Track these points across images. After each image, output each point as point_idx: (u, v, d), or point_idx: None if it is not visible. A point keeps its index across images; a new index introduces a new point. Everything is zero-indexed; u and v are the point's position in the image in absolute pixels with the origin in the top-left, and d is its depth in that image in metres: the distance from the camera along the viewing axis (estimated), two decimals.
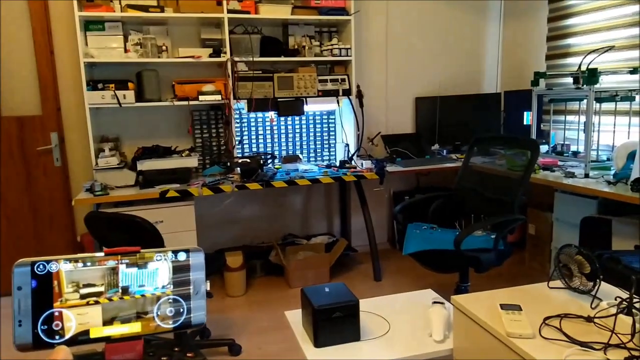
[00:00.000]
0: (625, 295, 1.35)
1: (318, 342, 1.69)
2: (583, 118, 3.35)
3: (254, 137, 3.97)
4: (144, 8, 3.32)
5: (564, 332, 1.26)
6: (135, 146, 3.64)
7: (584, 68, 3.19)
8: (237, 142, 3.73)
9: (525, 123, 4.10)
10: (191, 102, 3.46)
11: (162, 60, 3.45)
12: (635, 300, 1.28)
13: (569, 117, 3.77)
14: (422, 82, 4.45)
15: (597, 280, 1.44)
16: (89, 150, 3.37)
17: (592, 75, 3.07)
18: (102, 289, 0.56)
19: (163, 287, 0.59)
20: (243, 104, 3.64)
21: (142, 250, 0.58)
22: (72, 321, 0.52)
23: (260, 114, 3.92)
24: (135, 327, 0.56)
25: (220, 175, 3.52)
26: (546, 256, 3.65)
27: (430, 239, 2.87)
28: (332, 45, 3.78)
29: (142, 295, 0.58)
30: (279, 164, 3.91)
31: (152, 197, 3.13)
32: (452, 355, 1.62)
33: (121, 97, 3.30)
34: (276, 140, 4.05)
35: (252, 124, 3.95)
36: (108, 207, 3.09)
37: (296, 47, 3.80)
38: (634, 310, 1.26)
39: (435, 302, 1.86)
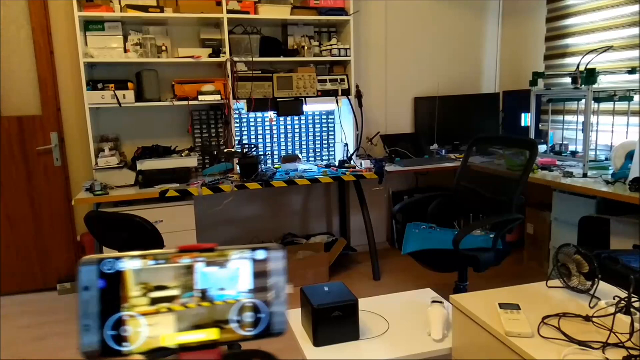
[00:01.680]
0: (623, 294, 1.36)
1: (317, 342, 1.70)
2: (582, 118, 3.36)
3: (253, 137, 3.98)
4: (144, 8, 3.33)
5: (563, 332, 1.27)
6: (135, 146, 3.64)
7: (582, 68, 3.20)
8: (236, 142, 3.73)
9: (523, 125, 4.11)
10: (191, 102, 3.47)
11: (162, 60, 3.46)
12: (633, 299, 1.29)
13: (568, 117, 3.78)
14: (421, 82, 4.46)
15: (596, 279, 1.44)
16: (89, 150, 3.38)
17: (590, 76, 3.08)
18: (176, 292, 0.48)
19: (246, 291, 0.51)
20: (243, 104, 3.64)
21: (218, 247, 0.50)
22: (143, 327, 0.46)
23: (259, 114, 3.93)
24: (212, 334, 0.49)
25: (220, 175, 3.53)
26: (545, 256, 3.66)
27: (430, 238, 2.88)
28: (331, 45, 3.78)
29: (224, 302, 0.50)
30: (279, 163, 3.92)
31: (152, 197, 3.14)
32: (451, 354, 1.63)
33: (121, 97, 3.30)
34: (276, 140, 4.05)
35: (252, 124, 3.95)
36: (108, 207, 3.09)
37: (296, 47, 3.81)
38: (632, 310, 1.26)
39: (434, 302, 1.86)
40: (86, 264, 0.43)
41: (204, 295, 0.49)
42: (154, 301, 0.47)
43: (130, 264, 0.45)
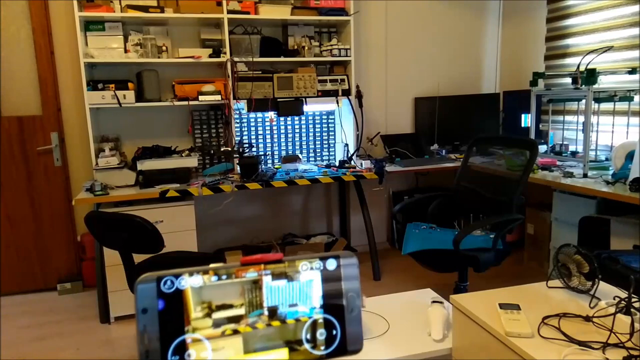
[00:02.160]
0: (623, 294, 1.36)
1: None
2: (582, 118, 3.36)
3: (253, 137, 3.98)
4: (144, 8, 3.33)
5: (563, 332, 1.27)
6: (135, 146, 3.64)
7: (582, 68, 3.20)
8: (236, 142, 3.73)
9: (523, 125, 4.11)
10: (191, 102, 3.47)
11: (162, 60, 3.46)
12: (633, 299, 1.29)
13: (568, 117, 3.78)
14: (421, 82, 4.46)
15: (596, 279, 1.44)
16: (89, 150, 3.38)
17: (590, 76, 3.08)
18: (242, 311, 0.43)
19: (319, 306, 0.45)
20: (243, 104, 3.64)
21: (284, 258, 0.45)
22: (208, 350, 0.41)
23: (260, 114, 3.93)
24: (281, 354, 0.44)
25: (220, 175, 3.53)
26: (545, 256, 3.66)
27: (430, 238, 2.88)
28: (331, 45, 3.78)
29: (296, 319, 0.44)
30: (279, 163, 3.92)
31: (152, 197, 3.14)
32: (451, 354, 1.63)
33: (121, 97, 3.30)
34: (276, 140, 4.05)
35: (252, 124, 3.96)
36: (108, 207, 3.09)
37: (296, 47, 3.81)
38: (632, 310, 1.26)
39: (434, 302, 1.86)
40: (144, 282, 0.38)
41: (273, 313, 0.44)
42: (218, 322, 0.42)
43: (191, 280, 0.40)
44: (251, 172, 3.37)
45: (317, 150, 4.20)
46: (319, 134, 4.17)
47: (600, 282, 1.49)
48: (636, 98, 3.20)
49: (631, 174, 2.77)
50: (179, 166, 3.33)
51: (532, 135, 3.64)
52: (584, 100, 3.25)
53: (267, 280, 0.43)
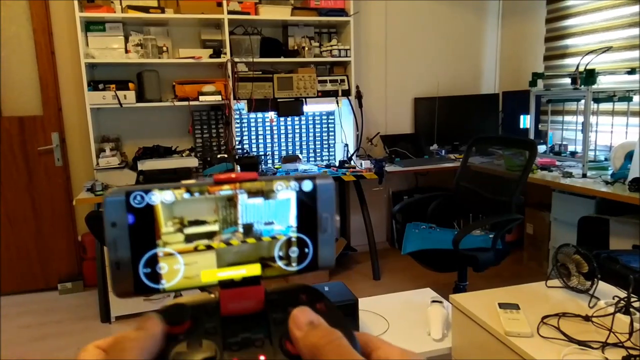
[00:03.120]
0: (623, 294, 1.36)
1: None
2: (581, 118, 3.36)
3: (254, 137, 3.98)
4: (145, 9, 3.33)
5: (562, 331, 1.28)
6: (136, 146, 3.64)
7: (582, 69, 3.21)
8: (237, 143, 3.74)
9: (522, 127, 4.11)
10: (191, 103, 3.47)
11: (163, 60, 3.46)
12: (632, 299, 1.30)
13: (567, 118, 3.79)
14: (420, 82, 4.47)
15: (595, 279, 1.45)
16: (90, 150, 3.38)
17: (590, 76, 3.08)
18: (215, 227, 0.42)
19: (294, 225, 0.44)
20: (243, 104, 3.65)
21: (260, 178, 0.43)
22: (180, 264, 0.41)
23: (260, 115, 3.93)
24: (254, 269, 0.43)
25: None
26: (544, 255, 3.67)
27: (429, 238, 2.89)
28: (331, 46, 3.79)
29: (272, 237, 0.43)
30: (279, 163, 3.93)
31: None
32: (451, 353, 1.64)
33: (122, 97, 3.31)
34: (276, 140, 4.06)
35: (252, 124, 3.96)
36: None
37: (296, 48, 3.81)
38: (631, 310, 1.27)
39: (434, 301, 1.87)
40: (112, 195, 0.38)
41: (249, 230, 0.43)
42: (191, 237, 0.41)
43: (162, 196, 0.39)
44: (252, 168, 3.37)
45: (317, 151, 4.20)
46: (319, 134, 4.18)
47: (600, 281, 1.50)
48: (635, 98, 3.20)
49: (630, 174, 2.78)
50: (180, 166, 3.34)
51: (532, 136, 3.65)
52: (583, 101, 3.25)
53: (242, 197, 0.42)
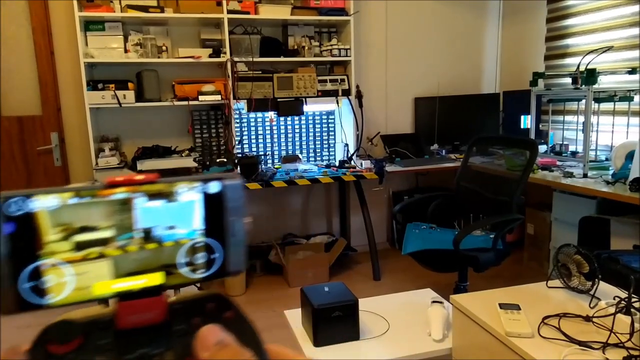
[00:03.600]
0: (623, 294, 1.36)
1: (317, 341, 1.70)
2: (582, 118, 3.36)
3: (253, 137, 3.98)
4: (144, 8, 3.33)
5: (563, 332, 1.27)
6: (135, 146, 3.64)
7: (582, 68, 3.20)
8: (236, 142, 3.73)
9: (522, 127, 4.10)
10: (191, 102, 3.47)
11: (162, 60, 3.46)
12: (633, 299, 1.29)
13: (568, 117, 3.78)
14: (421, 82, 4.46)
15: (596, 279, 1.44)
16: (89, 150, 3.38)
17: (590, 76, 3.07)
18: (109, 233, 0.38)
19: (200, 229, 0.41)
20: (243, 104, 3.64)
21: (162, 180, 0.39)
22: (69, 276, 0.37)
23: (260, 114, 3.93)
24: (156, 278, 0.39)
25: None
26: (545, 256, 3.66)
27: (430, 238, 2.88)
28: (331, 45, 3.78)
29: (175, 242, 0.40)
30: (279, 163, 3.92)
31: None
32: (451, 354, 1.63)
33: (121, 97, 3.30)
34: (276, 140, 4.05)
35: (252, 124, 3.95)
36: None
37: (296, 47, 3.81)
38: (632, 310, 1.26)
39: (434, 302, 1.86)
40: None
41: (148, 235, 0.39)
42: (81, 245, 0.37)
43: (44, 202, 0.35)
44: (251, 172, 3.37)
45: (317, 150, 4.20)
46: (319, 134, 4.17)
47: (600, 282, 1.49)
48: (636, 98, 3.20)
49: (631, 174, 2.77)
50: (179, 166, 3.34)
51: (532, 135, 3.64)
52: (584, 100, 3.25)
53: (139, 200, 0.38)
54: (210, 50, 3.56)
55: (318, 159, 4.20)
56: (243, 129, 3.93)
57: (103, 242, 0.39)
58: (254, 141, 3.98)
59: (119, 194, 0.38)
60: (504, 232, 2.65)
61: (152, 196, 0.40)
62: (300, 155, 3.99)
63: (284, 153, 4.08)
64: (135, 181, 0.39)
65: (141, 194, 0.39)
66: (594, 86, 3.08)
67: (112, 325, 0.37)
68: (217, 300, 0.41)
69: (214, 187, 0.41)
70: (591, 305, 1.39)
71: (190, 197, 0.41)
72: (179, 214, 0.41)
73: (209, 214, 0.41)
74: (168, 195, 0.40)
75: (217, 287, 3.58)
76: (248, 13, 3.54)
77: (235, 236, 0.42)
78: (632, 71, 3.22)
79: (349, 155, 3.96)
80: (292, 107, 3.75)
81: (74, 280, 0.37)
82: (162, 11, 3.37)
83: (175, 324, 0.40)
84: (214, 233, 0.41)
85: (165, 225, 0.40)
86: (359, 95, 4.00)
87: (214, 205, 0.41)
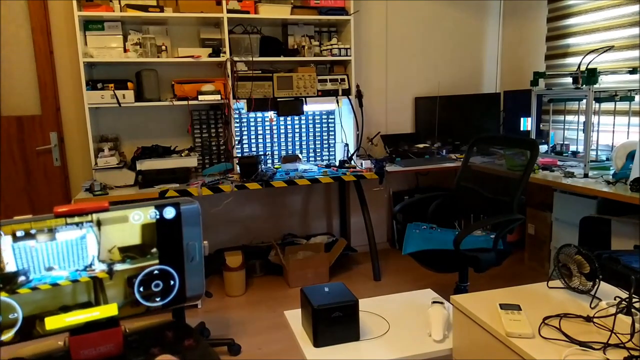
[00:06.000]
0: (624, 295, 1.35)
1: (317, 342, 1.69)
2: (582, 118, 3.35)
3: (253, 137, 3.97)
4: (144, 8, 3.32)
5: (564, 332, 1.26)
6: (135, 146, 3.64)
7: (583, 68, 3.19)
8: (236, 142, 3.73)
9: (522, 129, 4.09)
10: (190, 102, 3.46)
11: (162, 60, 3.45)
12: (634, 300, 1.28)
13: (569, 117, 3.78)
14: (421, 82, 4.45)
15: (597, 280, 1.44)
16: (89, 150, 3.37)
17: (591, 75, 3.07)
18: (57, 265, 0.35)
19: (154, 255, 0.37)
20: (242, 103, 3.64)
21: (112, 207, 0.35)
22: (18, 311, 0.33)
23: (259, 114, 3.92)
24: (109, 310, 0.35)
25: (220, 175, 3.52)
26: (545, 256, 3.65)
27: (430, 238, 2.88)
28: (331, 45, 3.78)
29: (55, 284, 0.36)
30: (279, 163, 3.91)
31: (151, 197, 3.13)
32: (452, 355, 1.62)
33: (120, 96, 3.30)
34: (276, 140, 4.05)
35: (252, 123, 3.95)
36: None
37: (296, 47, 3.80)
38: (633, 310, 1.26)
39: (434, 302, 1.86)
40: None
41: (101, 265, 0.37)
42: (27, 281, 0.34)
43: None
44: (251, 172, 3.37)
45: (317, 150, 4.19)
46: (319, 134, 4.17)
47: (601, 282, 1.48)
48: (637, 98, 3.19)
49: (632, 174, 2.77)
50: (179, 166, 3.33)
51: (533, 135, 3.64)
52: (584, 100, 3.24)
53: (90, 229, 0.36)
54: (209, 50, 3.56)
55: (318, 158, 4.20)
56: (243, 129, 3.92)
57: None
58: (253, 141, 3.98)
59: (69, 224, 0.33)
60: (504, 232, 2.64)
61: (105, 223, 0.36)
62: (300, 155, 3.99)
63: (283, 153, 4.07)
64: (85, 209, 0.35)
65: (90, 224, 0.35)
66: (594, 86, 3.07)
67: None
68: (175, 329, 0.41)
69: (168, 212, 0.38)
70: (592, 306, 1.39)
71: (78, 233, 0.37)
72: (63, 253, 0.37)
73: (164, 241, 0.39)
74: (47, 233, 0.35)
75: (216, 288, 3.58)
76: (248, 12, 3.53)
77: (194, 260, 0.40)
78: (633, 71, 3.21)
79: (349, 155, 3.96)
80: (292, 107, 3.75)
81: (21, 316, 0.33)
82: (162, 11, 3.37)
83: (132, 355, 0.40)
84: (171, 259, 0.40)
85: (120, 252, 0.38)
86: (359, 95, 4.00)
87: (169, 231, 0.39)
